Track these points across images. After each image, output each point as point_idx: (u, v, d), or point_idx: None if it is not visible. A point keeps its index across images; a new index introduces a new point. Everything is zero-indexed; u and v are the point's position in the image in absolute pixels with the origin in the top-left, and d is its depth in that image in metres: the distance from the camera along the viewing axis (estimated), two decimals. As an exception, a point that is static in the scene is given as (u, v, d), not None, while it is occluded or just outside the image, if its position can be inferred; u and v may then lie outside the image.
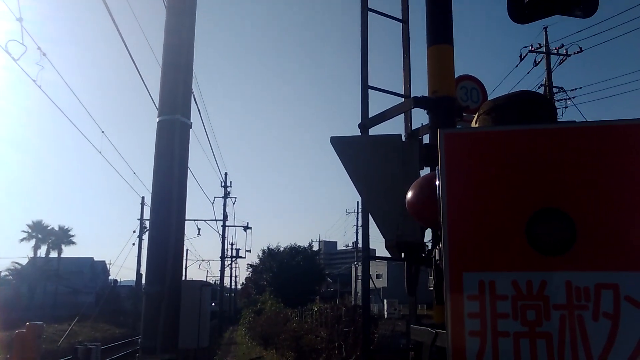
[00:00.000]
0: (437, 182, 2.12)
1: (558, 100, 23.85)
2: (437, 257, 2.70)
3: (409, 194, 2.70)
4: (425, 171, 3.74)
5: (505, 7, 3.42)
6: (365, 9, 4.80)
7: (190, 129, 5.88)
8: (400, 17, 4.92)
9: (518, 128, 2.08)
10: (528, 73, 25.07)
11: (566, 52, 23.95)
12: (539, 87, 23.55)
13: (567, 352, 1.82)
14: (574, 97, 24.06)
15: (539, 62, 24.21)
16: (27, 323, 6.23)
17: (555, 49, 24.16)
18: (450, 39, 3.95)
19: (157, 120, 5.69)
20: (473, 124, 2.79)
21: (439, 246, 2.40)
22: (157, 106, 5.82)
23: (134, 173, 37.93)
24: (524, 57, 24.13)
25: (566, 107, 23.96)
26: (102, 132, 15.04)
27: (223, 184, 47.09)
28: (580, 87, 38.83)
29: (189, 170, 5.91)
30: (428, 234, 3.47)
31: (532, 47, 24.19)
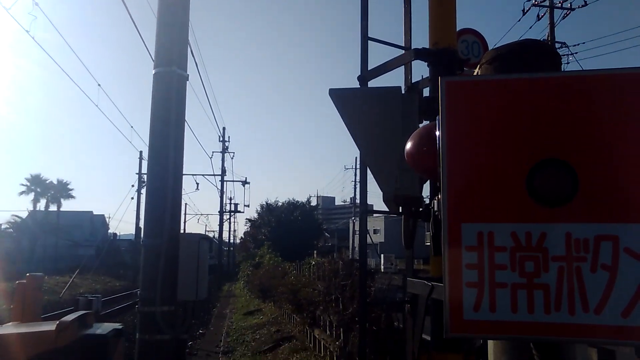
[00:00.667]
0: (437, 132, 2.08)
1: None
2: (435, 208, 2.69)
3: (408, 145, 2.66)
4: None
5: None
6: (365, -43, 4.65)
7: (188, 82, 5.80)
8: (402, -34, 4.77)
9: (520, 76, 2.02)
10: (530, 27, 24.70)
11: (570, 5, 23.53)
12: (541, 42, 23.18)
13: (564, 304, 1.82)
14: (576, 53, 23.79)
15: (542, 16, 23.81)
16: (27, 274, 6.29)
17: (560, 2, 23.71)
18: (453, -11, 3.83)
19: (153, 72, 5.61)
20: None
21: (438, 197, 2.38)
22: (153, 58, 5.72)
23: (132, 127, 37.78)
24: (527, 10, 23.73)
25: (568, 63, 23.70)
26: (99, 85, 14.94)
27: (221, 139, 47.11)
28: (584, 42, 38.33)
29: (187, 125, 5.85)
30: (426, 188, 3.46)
31: (535, 1, 23.74)
